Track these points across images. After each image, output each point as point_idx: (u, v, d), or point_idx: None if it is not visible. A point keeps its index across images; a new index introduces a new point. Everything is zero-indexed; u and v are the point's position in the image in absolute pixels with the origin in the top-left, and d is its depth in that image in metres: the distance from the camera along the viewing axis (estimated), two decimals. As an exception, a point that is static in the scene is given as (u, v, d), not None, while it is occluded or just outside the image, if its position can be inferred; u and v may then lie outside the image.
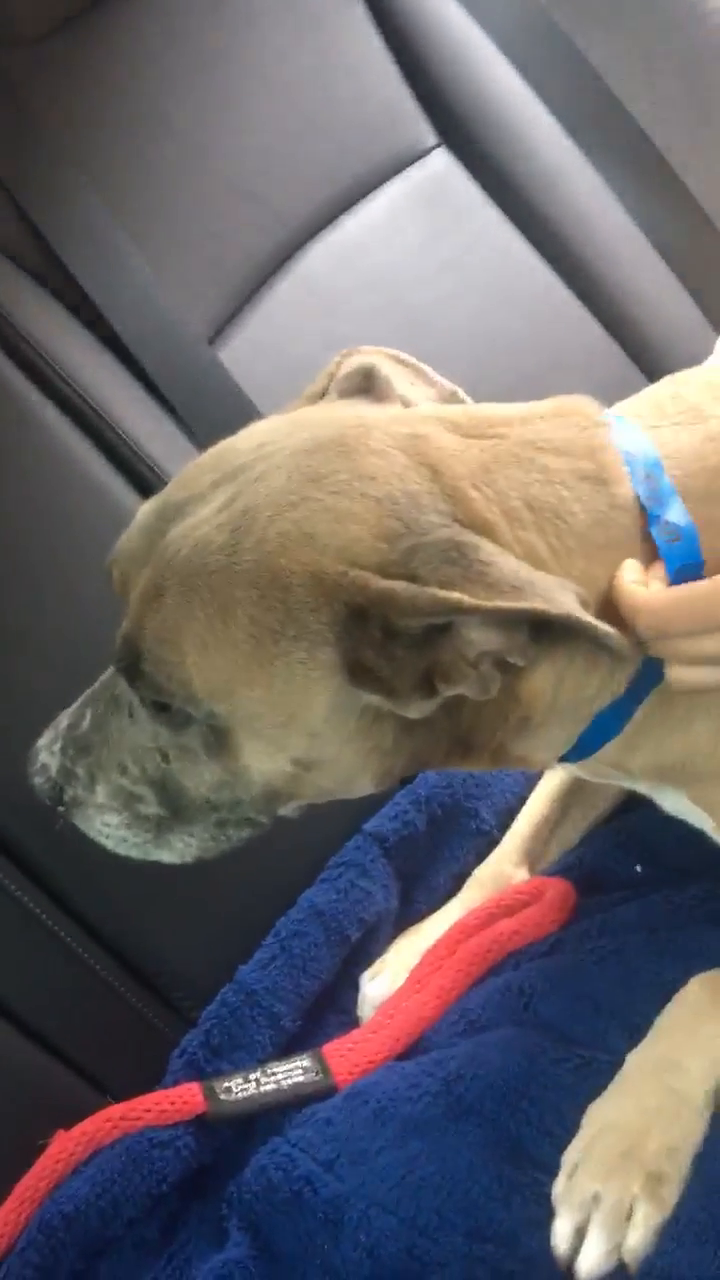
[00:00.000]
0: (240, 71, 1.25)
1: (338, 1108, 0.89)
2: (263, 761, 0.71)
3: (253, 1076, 0.94)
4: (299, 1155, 0.86)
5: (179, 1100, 0.91)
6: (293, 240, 1.25)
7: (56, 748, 0.78)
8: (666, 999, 0.81)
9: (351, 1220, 0.80)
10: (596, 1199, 0.72)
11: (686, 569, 0.69)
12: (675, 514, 0.69)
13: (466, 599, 0.62)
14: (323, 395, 0.77)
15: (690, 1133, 0.74)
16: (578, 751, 0.76)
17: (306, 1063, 0.95)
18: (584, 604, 0.65)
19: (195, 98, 1.21)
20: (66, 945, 1.00)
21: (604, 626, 0.64)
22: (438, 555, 0.64)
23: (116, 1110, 0.91)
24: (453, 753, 0.73)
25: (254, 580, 0.66)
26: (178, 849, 0.79)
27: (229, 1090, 0.93)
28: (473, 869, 1.07)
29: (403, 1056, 0.94)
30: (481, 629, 0.64)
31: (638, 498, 0.69)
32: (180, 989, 1.05)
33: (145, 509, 0.73)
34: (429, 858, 1.09)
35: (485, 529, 0.67)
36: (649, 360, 1.33)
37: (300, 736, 0.70)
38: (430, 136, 1.36)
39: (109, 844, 0.80)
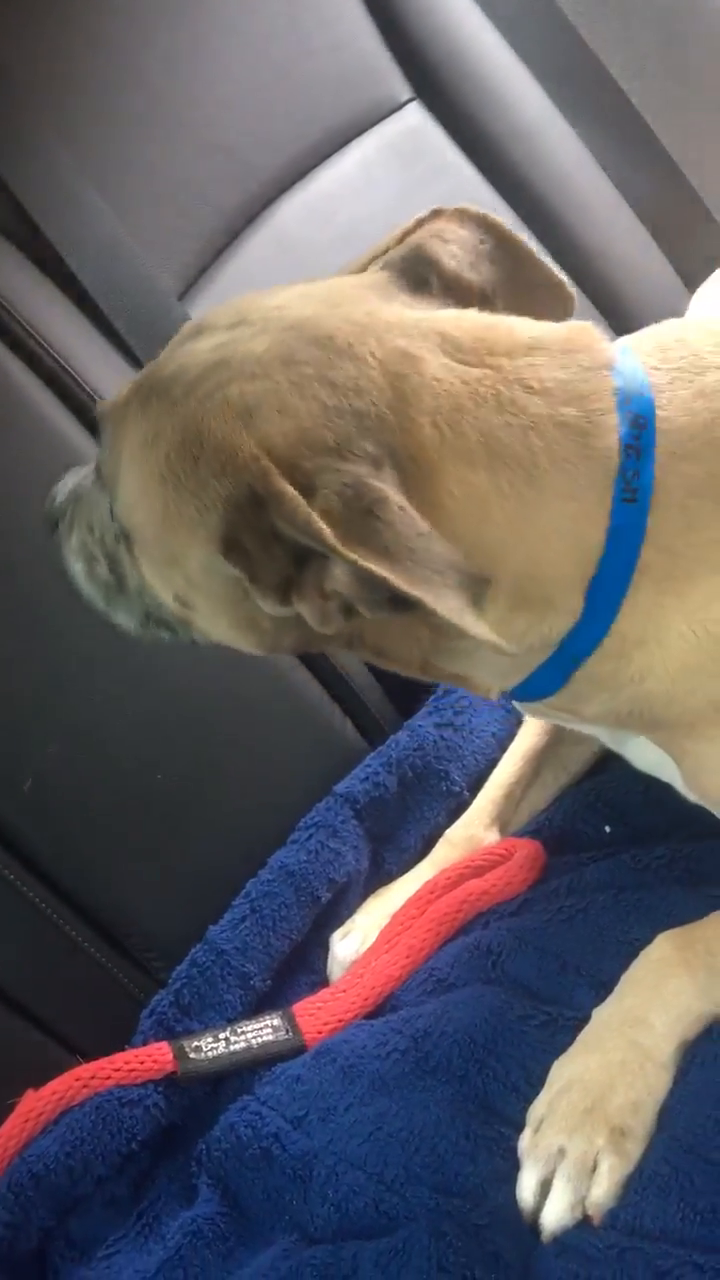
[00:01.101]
0: (210, 22, 1.22)
1: (307, 1065, 0.89)
2: (154, 584, 0.77)
3: (222, 1035, 0.94)
4: (268, 1113, 0.86)
5: (149, 1059, 0.91)
6: (264, 194, 1.24)
7: (67, 488, 0.85)
8: (633, 957, 0.82)
9: (320, 1176, 0.80)
10: (561, 1153, 0.73)
11: (622, 531, 0.69)
12: (644, 472, 0.68)
13: (330, 538, 0.63)
14: (381, 256, 0.77)
15: (655, 1088, 0.75)
16: (524, 691, 0.76)
17: (276, 1021, 0.95)
18: (480, 581, 0.65)
19: (163, 48, 1.19)
20: (35, 905, 1.00)
21: (471, 626, 0.63)
22: (339, 487, 0.65)
23: (86, 1070, 0.91)
24: (357, 650, 0.75)
25: (185, 424, 0.70)
26: (121, 619, 0.85)
27: (199, 1049, 0.93)
28: (443, 830, 1.07)
29: (372, 1015, 0.95)
30: (345, 572, 0.65)
31: (618, 445, 0.69)
32: (151, 949, 1.05)
33: (187, 326, 0.77)
34: (399, 819, 1.09)
35: (427, 469, 0.67)
36: (621, 318, 1.32)
37: (179, 578, 0.74)
38: (404, 90, 1.34)
39: (79, 585, 0.85)
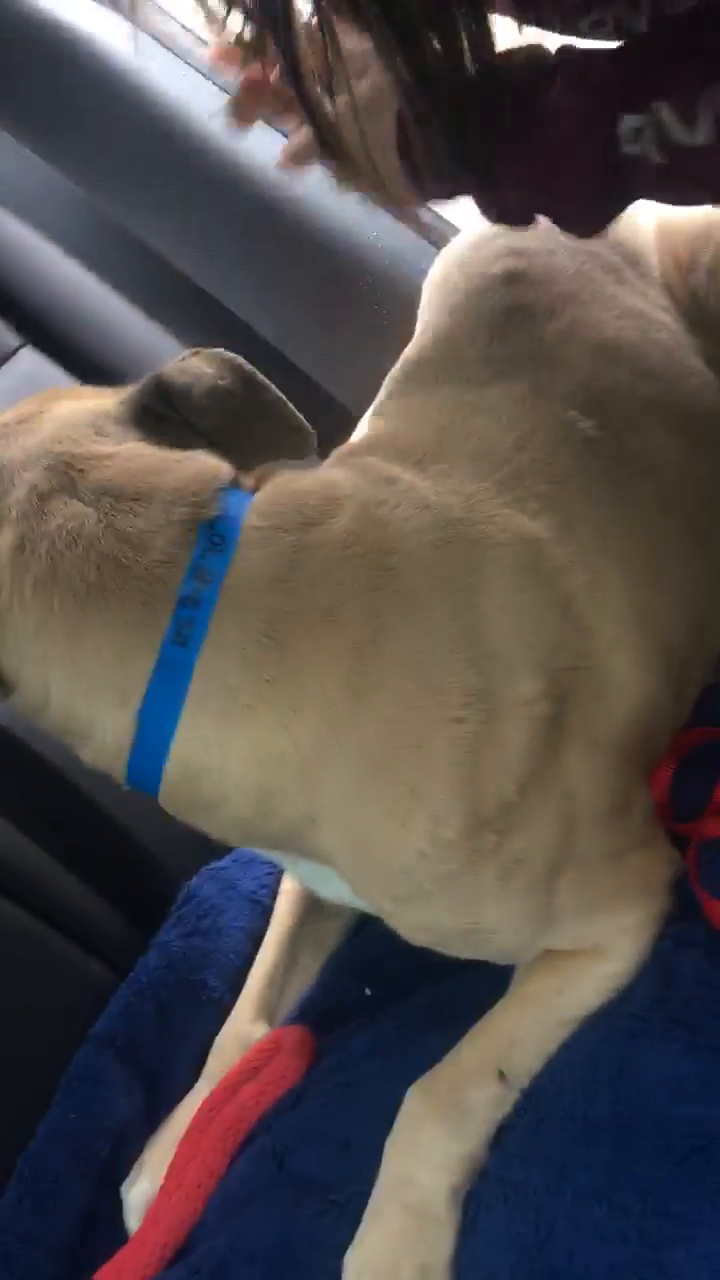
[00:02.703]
0: None
1: (113, 1341, 0.84)
2: None
3: (21, 1338, 0.87)
4: None
5: None
6: None
7: None
8: (405, 1118, 0.81)
9: None
10: (370, 1347, 0.71)
11: (169, 668, 0.76)
12: (198, 620, 0.75)
13: None
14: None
15: (438, 1246, 0.74)
16: (134, 784, 0.78)
17: (77, 1302, 0.89)
18: None
19: None
20: None
21: None
22: None
23: None
24: None
25: None
26: None
27: None
28: (213, 1042, 1.05)
29: (175, 1261, 0.90)
30: None
31: (176, 594, 0.76)
32: None
33: None
34: (165, 1045, 1.06)
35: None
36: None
37: None
38: (13, 339, 1.40)
39: None
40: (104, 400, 0.85)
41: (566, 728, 0.79)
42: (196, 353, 0.86)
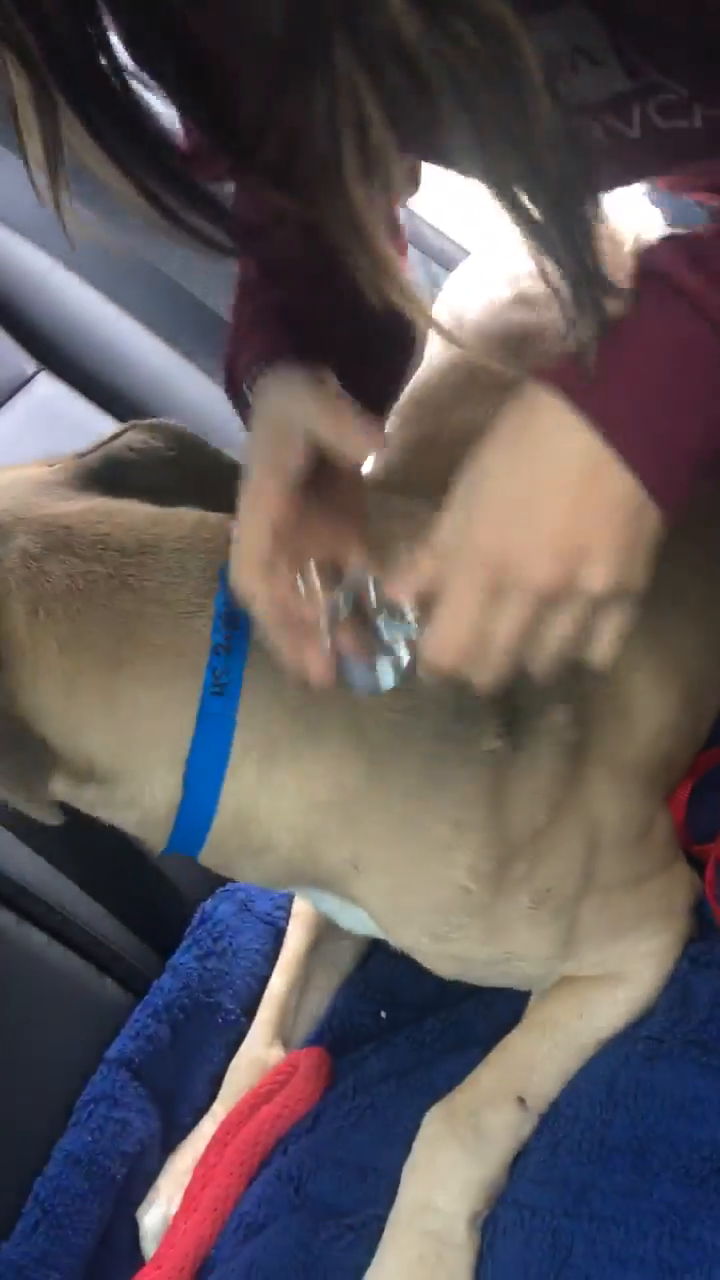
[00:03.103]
0: None
1: None
2: None
3: None
4: None
5: None
6: None
7: None
8: (421, 1141, 0.81)
9: None
10: None
11: (211, 719, 0.74)
12: (233, 669, 0.73)
13: None
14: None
15: (457, 1270, 0.74)
16: (175, 848, 0.77)
17: (94, 1327, 0.89)
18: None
19: None
20: None
21: None
22: None
23: None
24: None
25: None
26: None
27: None
28: (228, 1064, 1.05)
29: (191, 1285, 0.90)
30: None
31: (208, 643, 0.74)
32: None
33: None
34: (181, 1068, 1.06)
35: (19, 649, 0.72)
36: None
37: None
38: (29, 364, 1.41)
39: None
40: (29, 470, 0.83)
41: (589, 753, 0.79)
42: (134, 426, 0.85)
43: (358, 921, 0.86)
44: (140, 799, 0.74)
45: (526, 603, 0.61)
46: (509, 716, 0.76)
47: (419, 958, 0.84)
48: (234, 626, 0.73)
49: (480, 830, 0.76)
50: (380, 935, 0.86)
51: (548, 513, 0.59)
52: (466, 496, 0.62)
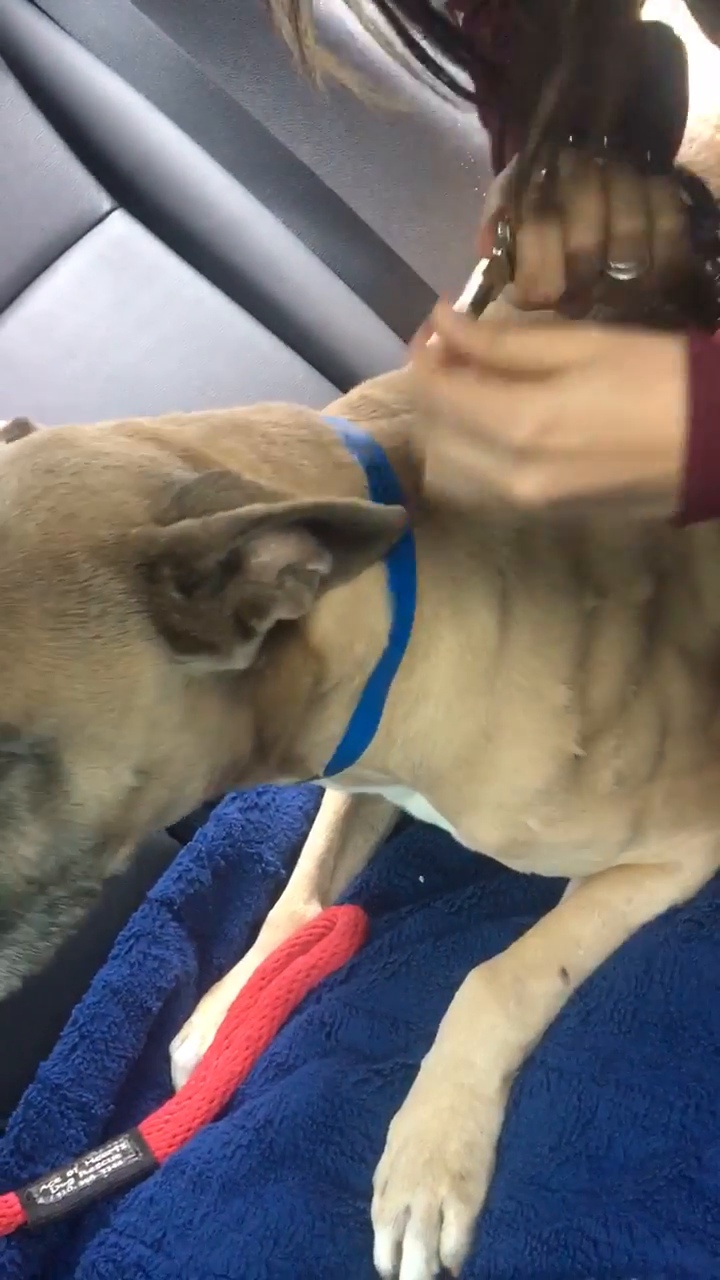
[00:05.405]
0: None
1: (158, 1184, 0.87)
2: (100, 783, 0.63)
3: (70, 1173, 0.91)
4: (126, 1242, 0.84)
5: (-5, 1215, 0.88)
6: (-20, 319, 1.24)
7: None
8: (455, 1000, 0.83)
9: (186, 1295, 0.78)
10: (408, 1211, 0.73)
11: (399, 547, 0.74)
12: (389, 487, 0.73)
13: (259, 507, 0.61)
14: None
15: (487, 1126, 0.76)
16: (343, 753, 0.77)
17: (124, 1145, 0.92)
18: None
19: None
20: None
21: (381, 507, 0.65)
22: (211, 487, 0.63)
23: (-71, 1241, 0.87)
24: (253, 750, 0.71)
25: (32, 574, 0.61)
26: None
27: (47, 1193, 0.90)
28: (266, 914, 1.07)
29: (220, 1116, 0.93)
30: (274, 546, 0.63)
31: (357, 464, 0.73)
32: (-20, 1098, 1.01)
33: None
34: (220, 912, 1.09)
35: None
36: (348, 383, 1.37)
37: (138, 730, 0.63)
38: (106, 201, 1.37)
39: None
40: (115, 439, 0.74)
41: (663, 631, 0.79)
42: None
43: (428, 811, 0.87)
44: (360, 649, 0.73)
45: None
46: (601, 581, 0.77)
47: (494, 851, 0.85)
48: (367, 449, 0.74)
49: (584, 694, 0.76)
50: (446, 827, 0.87)
51: (593, 392, 0.60)
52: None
